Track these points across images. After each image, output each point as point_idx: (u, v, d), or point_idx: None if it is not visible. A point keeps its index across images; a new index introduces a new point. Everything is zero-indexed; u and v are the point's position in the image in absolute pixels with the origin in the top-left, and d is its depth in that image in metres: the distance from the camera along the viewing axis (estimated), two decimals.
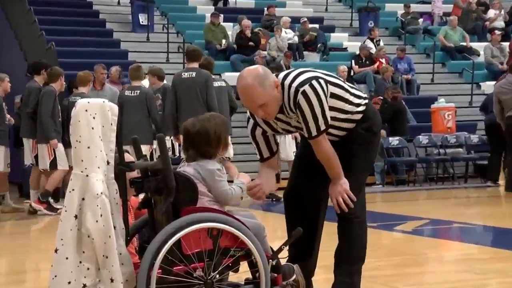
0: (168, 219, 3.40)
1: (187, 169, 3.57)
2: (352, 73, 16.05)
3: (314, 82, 3.74)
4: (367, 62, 16.34)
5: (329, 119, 3.78)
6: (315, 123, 3.74)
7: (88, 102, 3.42)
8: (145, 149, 9.29)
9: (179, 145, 9.50)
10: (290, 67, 15.26)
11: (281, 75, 3.84)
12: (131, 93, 9.79)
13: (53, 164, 9.68)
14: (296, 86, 3.74)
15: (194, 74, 9.38)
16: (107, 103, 3.44)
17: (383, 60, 16.36)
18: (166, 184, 3.40)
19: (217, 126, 3.61)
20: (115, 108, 3.46)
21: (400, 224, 8.07)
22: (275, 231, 6.85)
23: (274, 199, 10.77)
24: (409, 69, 16.52)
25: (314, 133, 3.77)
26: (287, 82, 3.78)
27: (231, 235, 3.43)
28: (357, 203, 3.90)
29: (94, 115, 3.39)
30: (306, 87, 3.72)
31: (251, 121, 3.98)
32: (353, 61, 16.35)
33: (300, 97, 3.72)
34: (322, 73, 3.88)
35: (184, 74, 9.45)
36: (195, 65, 9.49)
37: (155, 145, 10.17)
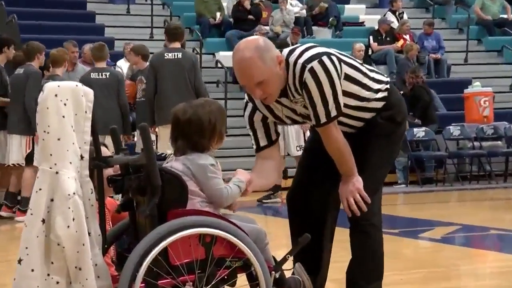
0: (153, 223, 3.42)
1: (175, 164, 3.59)
2: (370, 52, 16.07)
3: (324, 58, 3.75)
4: (388, 39, 16.36)
5: (341, 103, 3.79)
6: (324, 107, 3.74)
7: (58, 86, 3.42)
8: None
9: (157, 137, 9.55)
10: None
11: (286, 50, 3.85)
12: (99, 76, 9.81)
13: (29, 159, 9.68)
14: (302, 62, 3.74)
15: (180, 55, 9.48)
16: (81, 87, 3.45)
17: (407, 37, 16.37)
18: (151, 183, 3.41)
19: (212, 113, 3.63)
20: (90, 93, 3.47)
21: (426, 230, 8.10)
22: (279, 238, 6.87)
23: (263, 200, 10.86)
24: (438, 47, 16.54)
25: (323, 119, 3.78)
26: (292, 58, 3.79)
27: (226, 243, 3.45)
28: (372, 206, 3.90)
29: (66, 101, 3.40)
30: (315, 64, 3.73)
31: (250, 105, 3.98)
32: (371, 37, 16.37)
33: (307, 75, 3.72)
34: (336, 51, 3.89)
35: (168, 55, 9.52)
36: (178, 45, 9.61)
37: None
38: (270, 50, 3.72)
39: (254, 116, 3.98)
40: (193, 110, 3.62)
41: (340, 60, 3.81)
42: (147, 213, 3.42)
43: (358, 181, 3.86)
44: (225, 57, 14.92)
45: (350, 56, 3.99)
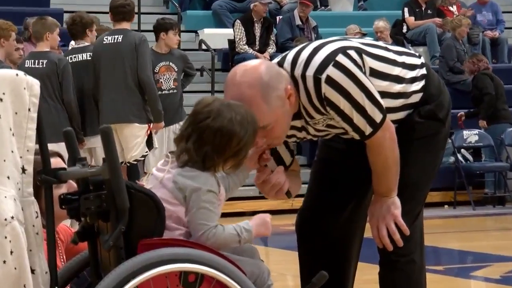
0: (118, 257, 3.43)
1: (166, 178, 3.59)
2: (404, 30, 16.07)
3: (340, 58, 3.76)
4: (429, 11, 16.36)
5: (381, 101, 3.79)
6: (363, 116, 3.76)
7: None
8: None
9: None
10: (309, 21, 15.24)
11: (288, 61, 3.83)
12: (35, 64, 9.80)
13: None
14: (313, 74, 3.75)
15: (120, 38, 9.66)
16: (23, 76, 3.45)
17: (454, 8, 16.40)
18: (115, 204, 3.42)
19: (243, 124, 3.54)
20: (35, 84, 3.47)
21: (481, 267, 8.13)
22: (284, 276, 6.85)
23: None
24: (496, 22, 16.55)
25: (367, 130, 3.80)
26: (298, 71, 3.80)
27: (216, 283, 3.45)
28: (412, 236, 3.92)
29: (2, 96, 3.40)
30: (330, 71, 3.74)
31: None
32: (406, 9, 16.37)
33: (325, 88, 3.74)
34: (352, 40, 3.90)
35: (107, 39, 9.70)
36: (125, 25, 9.81)
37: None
38: (278, 83, 3.71)
39: None
40: (230, 116, 3.52)
41: (360, 52, 3.82)
42: (110, 243, 3.42)
43: (395, 205, 3.88)
44: (211, 36, 14.93)
45: (371, 41, 4.00)
